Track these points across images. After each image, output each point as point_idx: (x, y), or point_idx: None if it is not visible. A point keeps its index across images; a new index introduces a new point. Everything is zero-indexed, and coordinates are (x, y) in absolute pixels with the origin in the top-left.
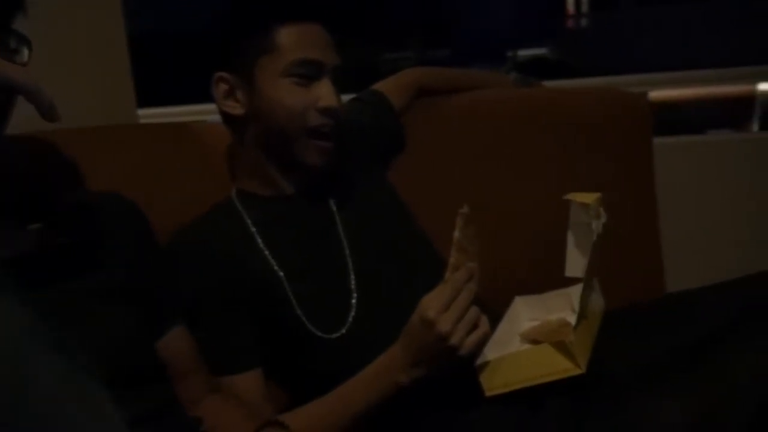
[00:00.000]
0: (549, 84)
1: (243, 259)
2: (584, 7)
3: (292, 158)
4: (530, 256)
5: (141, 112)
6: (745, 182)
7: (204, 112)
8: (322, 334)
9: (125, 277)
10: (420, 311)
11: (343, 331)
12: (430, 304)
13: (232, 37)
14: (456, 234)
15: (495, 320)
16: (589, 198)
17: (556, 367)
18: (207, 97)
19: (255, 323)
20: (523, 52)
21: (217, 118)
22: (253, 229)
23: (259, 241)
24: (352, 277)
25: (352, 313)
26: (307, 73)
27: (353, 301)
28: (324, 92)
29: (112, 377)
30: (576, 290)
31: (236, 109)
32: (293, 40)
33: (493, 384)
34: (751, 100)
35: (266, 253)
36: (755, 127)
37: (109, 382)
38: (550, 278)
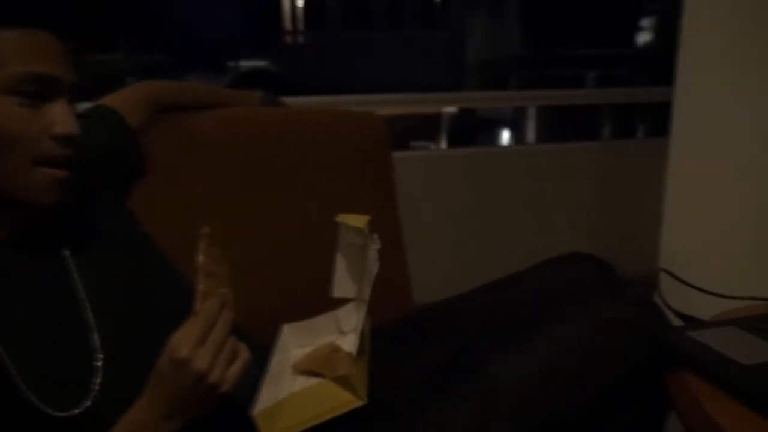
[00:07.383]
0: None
1: None
2: (300, 24)
3: (12, 194)
4: (287, 280)
5: None
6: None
7: None
8: (60, 413)
9: None
10: (170, 352)
11: (88, 402)
12: (181, 341)
13: None
14: (200, 258)
15: (254, 349)
16: (360, 221)
17: (337, 401)
18: None
19: None
20: (244, 63)
21: None
22: None
23: None
24: (96, 334)
25: (99, 379)
26: (38, 91)
27: (98, 363)
28: (59, 116)
29: None
30: (343, 312)
31: None
32: (17, 48)
33: (274, 430)
34: (438, 118)
35: None
36: (443, 143)
37: None
38: (309, 300)
